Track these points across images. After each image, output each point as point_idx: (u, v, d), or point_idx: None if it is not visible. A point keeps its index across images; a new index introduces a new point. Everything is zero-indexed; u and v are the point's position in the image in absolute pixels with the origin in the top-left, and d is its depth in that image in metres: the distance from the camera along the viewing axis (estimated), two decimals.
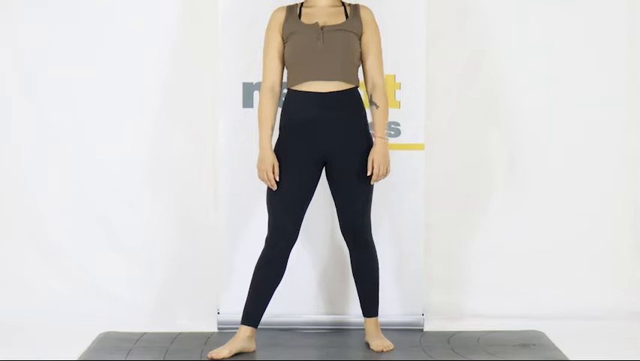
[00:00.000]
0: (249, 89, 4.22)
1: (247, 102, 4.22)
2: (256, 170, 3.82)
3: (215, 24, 4.24)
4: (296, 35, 3.80)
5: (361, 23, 3.83)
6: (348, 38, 3.80)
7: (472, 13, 4.61)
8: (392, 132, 4.24)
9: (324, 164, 3.84)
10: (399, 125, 4.24)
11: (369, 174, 3.79)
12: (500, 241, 4.68)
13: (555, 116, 4.66)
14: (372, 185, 3.85)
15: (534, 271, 4.68)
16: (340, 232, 3.94)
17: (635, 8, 4.65)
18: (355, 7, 3.87)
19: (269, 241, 3.85)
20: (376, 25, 3.86)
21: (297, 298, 4.24)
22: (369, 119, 3.87)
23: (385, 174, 3.81)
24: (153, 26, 4.59)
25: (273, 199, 3.82)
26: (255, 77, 4.20)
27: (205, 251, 4.56)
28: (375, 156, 3.79)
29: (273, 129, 3.84)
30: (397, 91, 4.24)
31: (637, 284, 4.70)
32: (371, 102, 3.85)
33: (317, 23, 3.80)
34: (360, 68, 3.88)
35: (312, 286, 4.27)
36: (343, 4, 3.88)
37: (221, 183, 4.28)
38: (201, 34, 4.52)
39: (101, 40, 4.58)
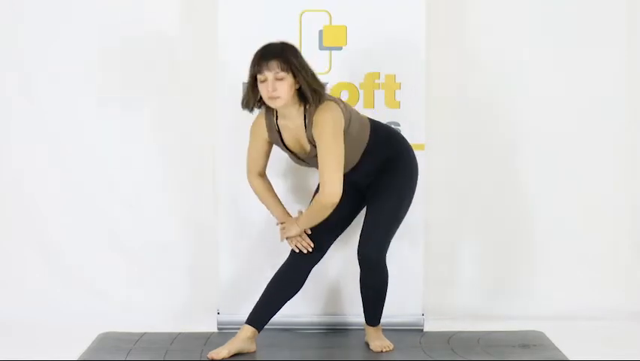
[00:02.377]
0: None
1: None
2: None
3: (215, 24, 4.24)
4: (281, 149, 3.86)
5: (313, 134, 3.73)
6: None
7: (471, 13, 4.61)
8: None
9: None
10: (399, 125, 4.23)
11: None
12: (500, 241, 4.69)
13: (555, 115, 4.66)
14: (397, 210, 3.82)
15: (534, 271, 4.68)
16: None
17: (635, 8, 4.65)
18: (312, 114, 3.69)
19: (293, 254, 3.90)
20: (323, 127, 3.63)
21: (297, 298, 4.23)
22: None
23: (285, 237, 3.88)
24: (153, 26, 4.59)
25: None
26: None
27: (205, 251, 4.56)
28: (287, 220, 3.87)
29: (277, 199, 3.94)
30: (397, 91, 4.24)
31: (637, 284, 4.71)
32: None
33: (293, 153, 3.82)
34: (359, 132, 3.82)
35: (312, 286, 4.27)
36: (305, 115, 3.73)
37: (221, 183, 4.29)
38: (201, 34, 4.52)
39: (100, 41, 4.58)
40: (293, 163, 3.96)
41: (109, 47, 4.59)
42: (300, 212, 3.90)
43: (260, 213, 4.10)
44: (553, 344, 4.04)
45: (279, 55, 3.63)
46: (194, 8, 4.56)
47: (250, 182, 3.97)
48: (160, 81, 4.61)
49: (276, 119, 3.80)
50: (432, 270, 4.50)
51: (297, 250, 3.88)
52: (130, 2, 4.58)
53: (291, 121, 3.75)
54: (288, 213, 3.95)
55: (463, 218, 4.69)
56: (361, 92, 4.24)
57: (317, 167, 3.72)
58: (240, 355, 3.83)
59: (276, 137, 3.83)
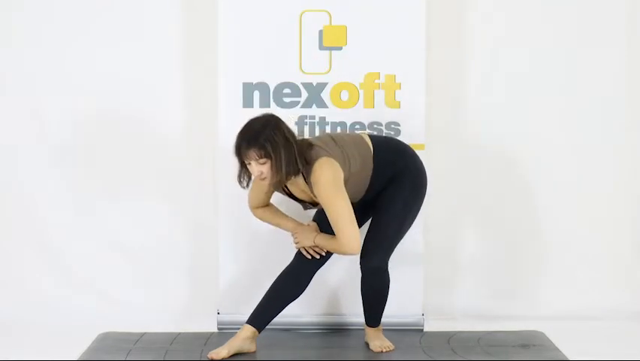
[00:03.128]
0: (249, 89, 4.22)
1: (247, 102, 4.23)
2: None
3: (215, 24, 4.24)
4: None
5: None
6: None
7: (471, 13, 4.61)
8: (392, 132, 4.24)
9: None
10: (399, 125, 4.24)
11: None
12: (500, 241, 4.68)
13: (555, 116, 4.66)
14: (401, 223, 3.85)
15: (534, 271, 4.68)
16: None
17: (635, 8, 4.65)
18: (308, 176, 3.71)
19: (299, 256, 3.91)
20: (319, 188, 3.67)
21: (298, 298, 4.23)
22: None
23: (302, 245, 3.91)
24: (153, 26, 4.59)
25: (325, 222, 3.83)
26: (255, 77, 4.20)
27: (205, 251, 4.56)
28: (299, 229, 3.91)
29: (282, 213, 3.97)
30: (397, 91, 4.23)
31: (637, 284, 4.71)
32: None
33: (299, 200, 3.86)
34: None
35: (313, 286, 4.26)
36: (304, 178, 3.76)
37: (221, 183, 4.28)
38: (201, 34, 4.52)
39: (101, 41, 4.58)
40: None
41: (109, 47, 4.59)
42: (316, 223, 3.91)
43: None
44: (553, 344, 4.04)
45: (254, 143, 3.62)
46: (195, 9, 4.56)
47: (252, 213, 4.01)
48: (160, 81, 4.60)
49: None
50: (432, 270, 4.50)
51: (310, 257, 3.89)
52: (130, 2, 4.58)
53: (295, 181, 3.78)
54: (299, 222, 3.96)
55: (463, 218, 4.69)
56: (361, 92, 4.24)
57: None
58: (239, 355, 3.83)
59: (283, 191, 3.87)
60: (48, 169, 4.63)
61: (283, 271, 3.92)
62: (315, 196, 3.75)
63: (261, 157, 3.63)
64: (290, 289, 3.90)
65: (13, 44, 4.60)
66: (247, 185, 3.79)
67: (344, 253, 3.74)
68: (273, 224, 4.01)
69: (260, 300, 3.90)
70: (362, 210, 3.89)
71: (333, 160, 3.70)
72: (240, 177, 3.75)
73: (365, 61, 4.22)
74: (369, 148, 3.84)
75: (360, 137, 3.89)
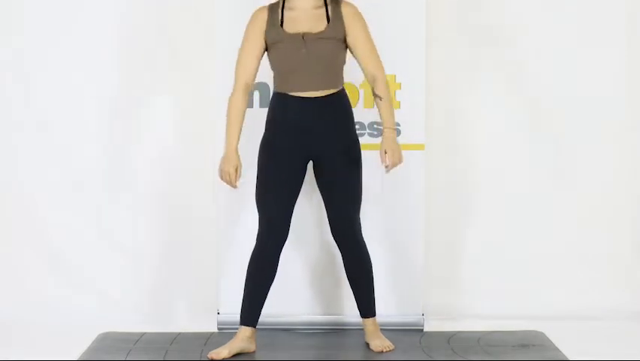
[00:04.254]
0: None
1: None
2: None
3: (214, 24, 4.24)
4: (279, 44, 3.77)
5: (343, 23, 3.76)
6: (331, 47, 3.75)
7: (471, 13, 4.61)
8: None
9: (311, 161, 3.85)
10: (399, 125, 4.22)
11: (385, 165, 3.76)
12: (500, 240, 4.69)
13: (555, 116, 4.66)
14: (360, 183, 3.83)
15: (534, 271, 4.68)
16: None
17: (635, 8, 4.65)
18: (337, 6, 3.79)
19: (260, 238, 3.85)
20: (361, 18, 3.79)
21: (297, 298, 4.24)
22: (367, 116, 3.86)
23: (399, 162, 3.76)
24: (152, 26, 4.59)
25: (263, 194, 3.82)
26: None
27: (205, 251, 4.56)
28: (387, 147, 3.75)
29: (241, 130, 3.81)
30: (397, 91, 4.24)
31: (637, 284, 4.71)
32: (374, 95, 3.80)
33: (299, 34, 3.74)
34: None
35: (312, 286, 4.27)
36: (325, 2, 3.80)
37: (220, 183, 4.28)
38: (200, 33, 4.52)
39: (100, 41, 4.59)
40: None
41: (108, 47, 4.60)
42: (384, 151, 3.78)
43: None
44: (553, 344, 4.04)
45: None
46: (194, 9, 4.56)
47: (234, 98, 3.80)
48: (159, 82, 4.61)
49: (282, 13, 3.78)
50: (432, 270, 4.50)
51: (225, 183, 3.81)
52: (129, 2, 4.58)
53: (304, 11, 3.76)
54: (237, 151, 3.82)
55: (463, 218, 4.69)
56: (361, 91, 4.24)
57: (307, 54, 3.71)
58: (240, 355, 3.83)
59: (276, 25, 3.77)
60: (48, 169, 4.63)
61: (250, 260, 3.86)
62: (321, 28, 3.72)
63: None
64: (264, 273, 3.85)
65: (13, 44, 4.61)
66: None
67: (382, 83, 3.76)
68: (231, 126, 3.78)
69: (242, 298, 3.87)
70: (300, 172, 3.84)
71: None
72: None
73: None
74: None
75: None
